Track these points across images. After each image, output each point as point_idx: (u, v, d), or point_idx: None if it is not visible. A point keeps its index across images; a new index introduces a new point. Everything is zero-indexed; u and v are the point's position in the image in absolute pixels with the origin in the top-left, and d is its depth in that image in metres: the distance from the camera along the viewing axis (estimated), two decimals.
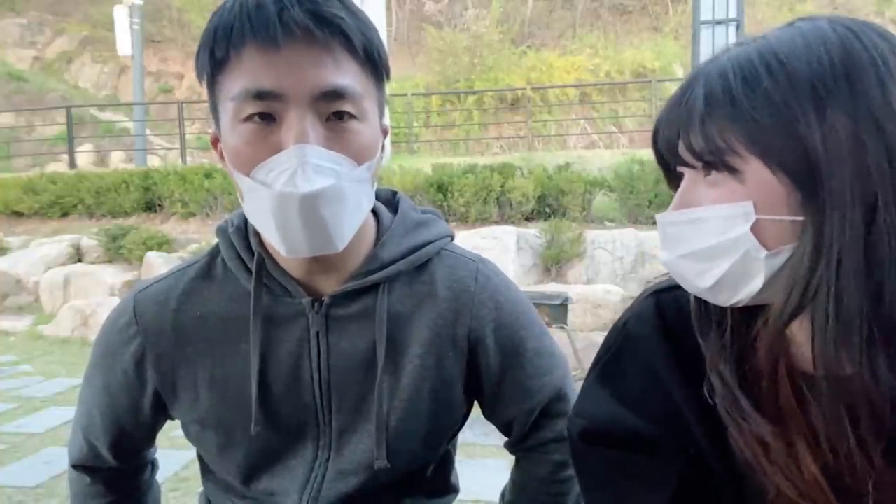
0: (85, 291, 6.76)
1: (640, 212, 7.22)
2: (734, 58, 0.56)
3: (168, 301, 0.83)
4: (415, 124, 13.67)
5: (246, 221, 0.83)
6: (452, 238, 0.90)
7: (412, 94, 13.76)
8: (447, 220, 0.96)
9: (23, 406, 4.18)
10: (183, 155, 11.28)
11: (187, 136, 11.79)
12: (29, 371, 5.12)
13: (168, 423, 0.91)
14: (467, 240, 6.13)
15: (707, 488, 0.64)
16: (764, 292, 0.56)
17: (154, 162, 12.23)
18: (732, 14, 8.51)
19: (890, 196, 0.50)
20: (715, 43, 8.24)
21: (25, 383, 4.74)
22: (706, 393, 0.62)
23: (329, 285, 0.81)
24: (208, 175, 8.41)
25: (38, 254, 7.54)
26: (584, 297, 5.32)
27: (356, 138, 0.71)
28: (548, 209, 7.46)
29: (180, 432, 0.86)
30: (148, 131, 13.40)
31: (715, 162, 0.56)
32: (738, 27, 8.50)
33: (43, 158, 13.35)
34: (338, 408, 0.82)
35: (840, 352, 0.52)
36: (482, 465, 3.08)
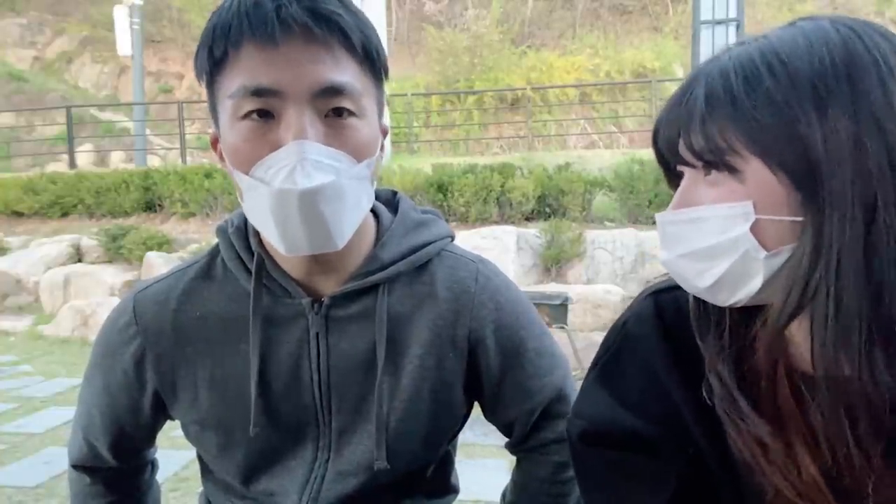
0: (85, 291, 6.76)
1: (640, 212, 7.22)
2: (735, 57, 0.56)
3: (168, 301, 0.83)
4: (415, 124, 13.66)
5: (246, 221, 0.83)
6: (453, 238, 0.90)
7: (412, 94, 13.76)
8: (447, 220, 0.96)
9: (23, 406, 4.18)
10: (183, 155, 11.28)
11: (187, 136, 11.79)
12: (29, 371, 5.12)
13: (168, 423, 0.91)
14: (467, 240, 6.13)
15: (706, 489, 0.63)
16: (763, 292, 0.56)
17: (154, 162, 12.23)
18: (732, 14, 8.51)
19: (890, 197, 0.50)
20: (715, 43, 8.24)
21: (25, 383, 4.74)
22: (704, 394, 0.62)
23: (329, 286, 0.81)
24: (208, 175, 8.40)
25: (38, 254, 7.53)
26: (584, 297, 5.32)
27: (355, 135, 0.71)
28: (548, 209, 7.46)
29: (180, 432, 0.86)
30: (148, 131, 13.39)
31: (715, 161, 0.56)
32: (738, 27, 8.50)
33: (43, 158, 13.35)
34: (337, 408, 0.82)
35: (839, 352, 0.52)
36: (482, 465, 3.08)
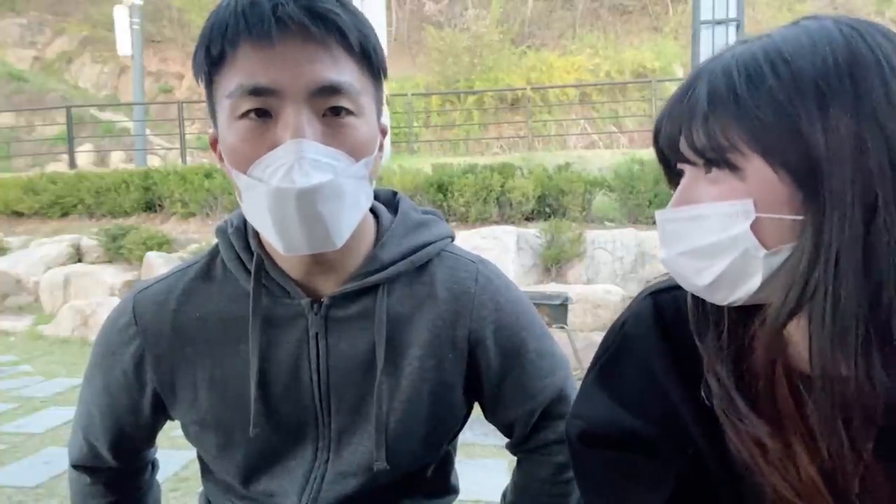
0: (85, 291, 6.76)
1: (640, 212, 7.22)
2: (738, 55, 0.56)
3: (167, 301, 0.83)
4: (415, 124, 13.66)
5: (245, 222, 0.83)
6: (453, 239, 0.90)
7: (412, 94, 13.76)
8: (447, 220, 0.96)
9: (23, 406, 4.18)
10: (183, 155, 11.28)
11: (187, 136, 11.79)
12: (29, 371, 5.12)
13: (168, 423, 0.91)
14: (467, 240, 6.13)
15: (705, 489, 0.63)
16: (762, 291, 0.56)
17: (154, 162, 12.23)
18: (732, 14, 8.51)
19: (890, 196, 0.50)
20: (715, 43, 8.25)
21: (25, 383, 4.74)
22: (703, 394, 0.62)
23: (328, 286, 0.81)
24: (208, 175, 8.40)
25: (38, 254, 7.54)
26: (584, 297, 5.32)
27: (353, 133, 0.71)
28: (548, 209, 7.46)
29: (180, 432, 0.86)
30: (148, 131, 13.39)
31: (716, 159, 0.56)
32: (738, 27, 8.50)
33: (43, 158, 13.35)
34: (337, 409, 0.82)
35: (836, 352, 0.52)
36: (482, 465, 3.08)
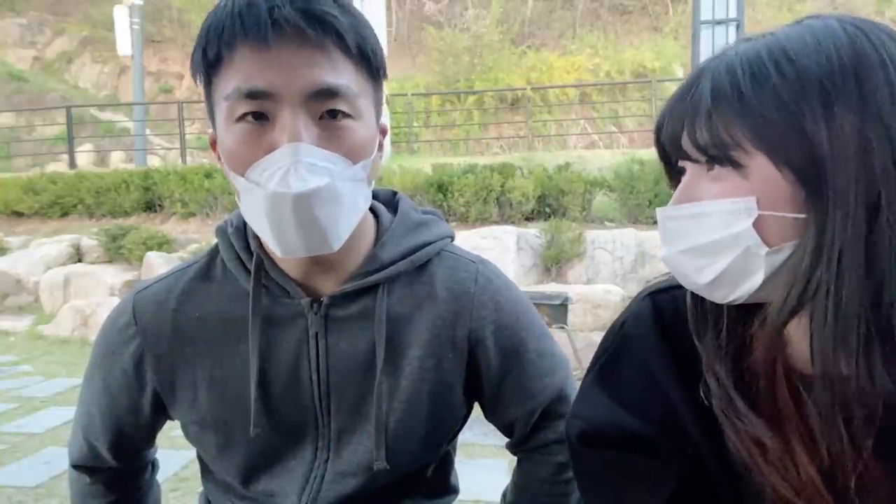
0: (85, 291, 6.76)
1: (640, 212, 7.22)
2: (742, 53, 0.56)
3: (167, 301, 0.83)
4: (415, 124, 13.66)
5: (245, 222, 0.83)
6: (452, 238, 0.90)
7: (412, 94, 13.76)
8: (447, 220, 0.96)
9: (23, 406, 4.18)
10: (183, 155, 11.28)
11: (187, 136, 11.79)
12: (29, 371, 5.12)
13: (168, 423, 0.91)
14: (467, 240, 6.13)
15: (705, 489, 0.63)
16: (763, 289, 0.56)
17: (154, 162, 12.23)
18: (732, 14, 8.51)
19: (894, 196, 0.50)
20: (715, 43, 8.25)
21: (25, 383, 4.74)
22: (702, 394, 0.62)
23: (328, 286, 0.81)
24: (208, 175, 8.41)
25: (38, 254, 7.54)
26: (584, 297, 5.32)
27: (351, 137, 0.71)
28: (548, 209, 7.46)
29: (180, 432, 0.86)
30: (148, 131, 13.39)
31: (719, 156, 0.56)
32: (738, 27, 8.50)
33: (43, 158, 13.35)
34: (337, 409, 0.82)
35: (838, 351, 0.52)
36: (482, 465, 3.08)
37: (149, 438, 0.93)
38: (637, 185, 7.31)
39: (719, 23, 8.49)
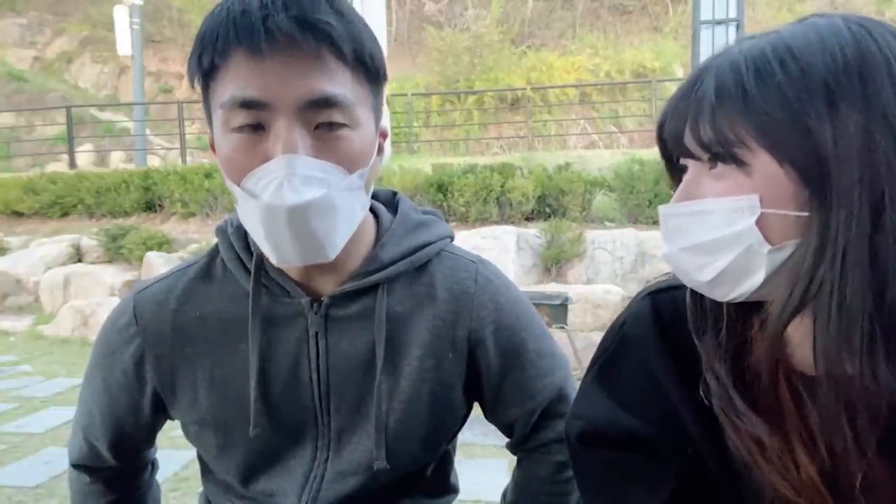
0: (85, 291, 6.76)
1: (640, 212, 7.22)
2: (747, 51, 0.56)
3: (168, 301, 0.83)
4: (415, 124, 13.67)
5: None
6: (452, 239, 0.90)
7: (412, 94, 13.77)
8: (447, 220, 0.96)
9: (23, 406, 4.18)
10: (183, 155, 11.29)
11: (187, 136, 11.79)
12: (29, 371, 5.12)
13: (168, 423, 0.91)
14: (467, 240, 6.13)
15: (705, 488, 0.64)
16: (764, 288, 0.56)
17: (154, 162, 12.23)
18: (732, 14, 8.51)
19: None
20: (715, 43, 8.25)
21: (25, 383, 4.74)
22: (702, 393, 0.62)
23: (328, 286, 0.81)
24: (208, 175, 8.40)
25: (38, 254, 7.54)
26: (584, 297, 5.32)
27: (347, 146, 0.70)
28: (548, 209, 7.46)
29: (180, 432, 0.86)
30: (148, 131, 13.40)
31: (723, 154, 0.55)
32: (738, 27, 8.50)
33: (43, 158, 13.35)
34: (336, 408, 0.82)
35: (842, 350, 0.51)
36: (482, 465, 3.08)
37: (149, 438, 0.93)
38: (637, 185, 7.31)
39: (719, 23, 8.48)
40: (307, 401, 0.82)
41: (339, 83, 0.69)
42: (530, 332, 0.88)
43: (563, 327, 4.29)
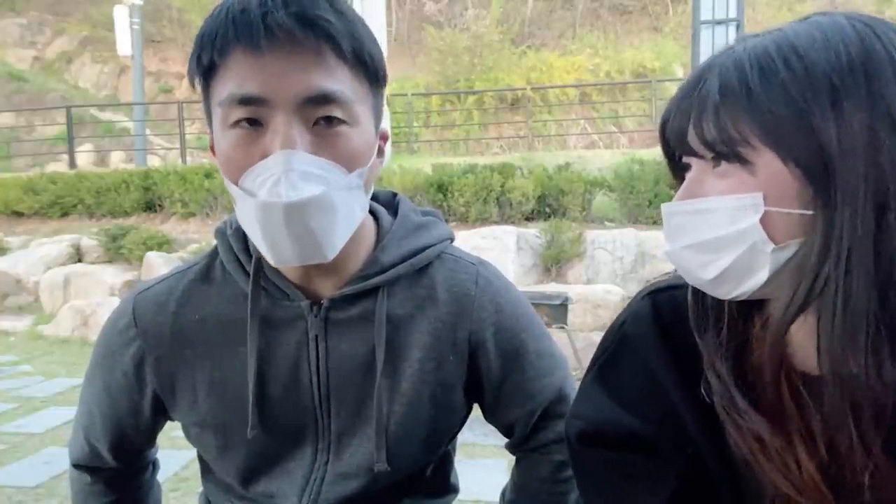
0: (85, 291, 6.76)
1: (640, 212, 7.22)
2: (751, 49, 0.55)
3: (167, 303, 0.83)
4: (415, 124, 13.67)
5: None
6: (453, 240, 0.90)
7: (412, 94, 13.77)
8: (447, 221, 0.96)
9: (23, 406, 4.18)
10: (183, 155, 11.28)
11: (187, 136, 11.79)
12: (29, 371, 5.12)
13: (169, 424, 0.91)
14: (467, 240, 6.13)
15: (705, 487, 0.64)
16: (767, 286, 0.56)
17: (154, 162, 12.23)
18: (732, 14, 8.51)
19: None
20: (715, 43, 8.25)
21: (25, 383, 4.74)
22: (703, 391, 0.62)
23: (328, 288, 0.81)
24: (208, 175, 8.40)
25: (38, 254, 7.54)
26: (584, 297, 5.32)
27: (346, 143, 0.70)
28: (548, 209, 7.46)
29: (181, 432, 0.86)
30: (148, 131, 13.39)
31: (726, 152, 0.55)
32: (738, 27, 8.50)
33: (43, 158, 13.34)
34: (336, 411, 0.82)
35: (846, 349, 0.51)
36: (482, 465, 3.08)
37: (149, 439, 0.93)
38: (637, 185, 7.30)
39: (719, 23, 8.48)
40: (307, 403, 0.81)
41: (338, 79, 0.69)
42: (530, 333, 0.88)
43: (563, 327, 4.29)
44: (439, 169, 7.89)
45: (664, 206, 0.62)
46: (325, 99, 0.68)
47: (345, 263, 0.80)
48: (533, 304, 0.93)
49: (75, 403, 0.94)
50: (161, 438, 0.97)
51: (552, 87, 14.20)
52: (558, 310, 4.31)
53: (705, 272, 0.58)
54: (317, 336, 0.80)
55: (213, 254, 0.86)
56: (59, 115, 13.33)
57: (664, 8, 17.88)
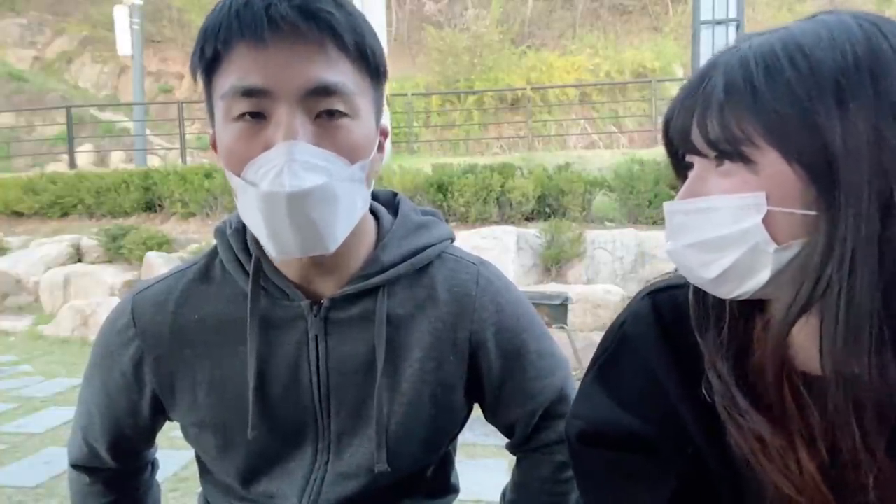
0: (85, 291, 6.76)
1: (640, 212, 7.21)
2: (756, 47, 0.55)
3: (166, 303, 0.83)
4: (415, 124, 13.66)
5: (244, 223, 0.82)
6: (453, 240, 0.90)
7: (412, 94, 13.76)
8: (447, 221, 0.96)
9: (23, 406, 4.18)
10: (183, 155, 11.28)
11: (187, 136, 11.79)
12: (29, 371, 5.12)
13: (168, 424, 0.91)
14: (467, 240, 6.13)
15: (706, 488, 0.63)
16: (769, 286, 0.56)
17: (154, 162, 12.23)
18: (732, 14, 8.52)
19: None
20: (715, 43, 8.25)
21: (25, 383, 4.74)
22: (704, 391, 0.61)
23: (328, 288, 0.81)
24: (208, 175, 8.40)
25: (38, 254, 7.54)
26: (584, 297, 5.32)
27: (348, 136, 0.70)
28: (548, 209, 7.46)
29: (180, 432, 0.86)
30: (148, 131, 13.39)
31: (730, 151, 0.55)
32: (738, 27, 8.50)
33: (43, 158, 13.34)
34: (336, 411, 0.81)
35: (849, 350, 0.51)
36: (482, 465, 3.08)
37: (148, 439, 0.93)
38: (637, 185, 7.30)
39: (719, 23, 8.49)
40: (307, 403, 0.81)
41: (341, 72, 0.69)
42: (531, 333, 0.88)
43: (563, 327, 4.29)
44: (439, 169, 7.88)
45: (666, 205, 0.61)
46: (327, 91, 0.68)
47: (345, 262, 0.80)
48: (533, 304, 0.93)
49: (75, 403, 0.93)
50: (161, 438, 0.97)
51: (552, 87, 14.20)
52: (558, 310, 4.31)
53: (707, 271, 0.58)
54: (317, 336, 0.80)
55: (213, 253, 0.86)
56: (59, 115, 13.32)
57: (664, 8, 17.87)
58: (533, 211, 7.49)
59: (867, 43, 0.52)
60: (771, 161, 0.53)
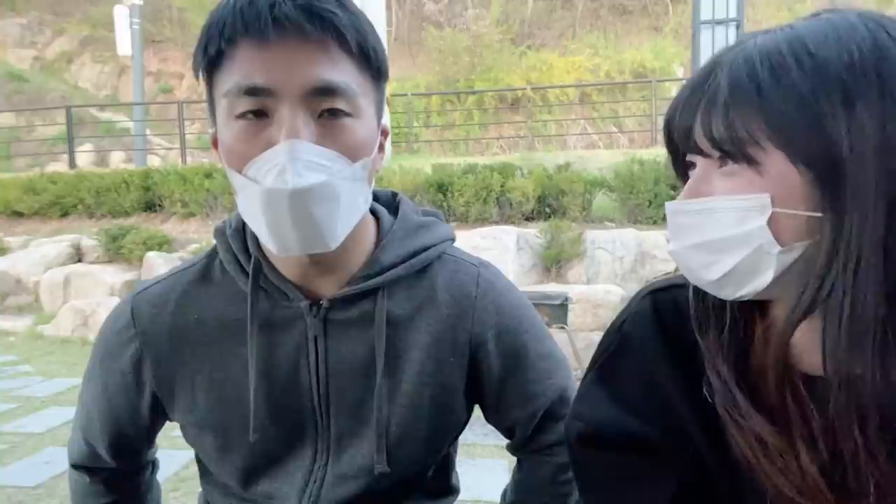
0: (85, 291, 6.76)
1: (640, 212, 7.21)
2: (761, 45, 0.54)
3: (166, 304, 0.83)
4: (415, 124, 13.66)
5: (244, 223, 0.82)
6: (453, 241, 0.90)
7: (412, 94, 13.75)
8: (447, 220, 0.96)
9: (23, 406, 4.17)
10: (183, 155, 11.27)
11: (187, 136, 11.77)
12: (29, 371, 5.12)
13: (168, 424, 0.91)
14: (467, 240, 6.13)
15: (706, 489, 0.63)
16: (771, 288, 0.55)
17: (154, 162, 12.24)
18: (732, 14, 8.52)
19: None
20: (715, 43, 8.26)
21: (25, 383, 4.74)
22: (705, 392, 0.61)
23: (328, 288, 0.81)
24: (208, 175, 8.39)
25: (38, 254, 7.53)
26: (584, 297, 5.31)
27: (350, 135, 0.70)
28: (548, 209, 7.45)
29: (180, 432, 0.86)
30: (148, 131, 13.39)
31: (734, 152, 0.54)
32: (738, 27, 8.51)
33: (43, 158, 13.34)
34: (336, 412, 0.81)
35: (853, 353, 0.51)
36: (482, 465, 3.08)
37: (148, 439, 0.93)
38: (637, 185, 7.29)
39: (719, 23, 8.49)
40: (306, 404, 0.81)
41: (343, 72, 0.69)
42: (532, 334, 0.87)
43: (563, 327, 4.29)
44: (439, 169, 7.88)
45: (668, 205, 0.61)
46: (330, 91, 0.68)
47: (345, 263, 0.80)
48: (533, 304, 0.93)
49: (75, 403, 0.93)
50: (161, 438, 0.97)
51: (552, 87, 14.21)
52: (558, 310, 4.30)
53: (709, 273, 0.58)
54: (316, 336, 0.80)
55: (213, 254, 0.86)
56: (59, 115, 13.32)
57: (664, 8, 17.87)
58: (533, 211, 7.48)
59: (873, 42, 0.51)
60: (776, 162, 0.52)
